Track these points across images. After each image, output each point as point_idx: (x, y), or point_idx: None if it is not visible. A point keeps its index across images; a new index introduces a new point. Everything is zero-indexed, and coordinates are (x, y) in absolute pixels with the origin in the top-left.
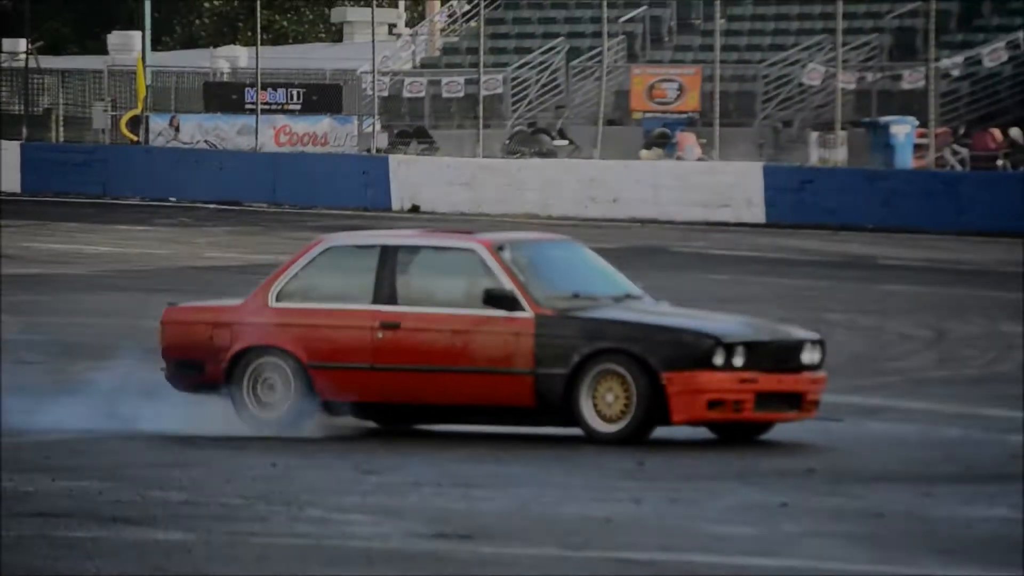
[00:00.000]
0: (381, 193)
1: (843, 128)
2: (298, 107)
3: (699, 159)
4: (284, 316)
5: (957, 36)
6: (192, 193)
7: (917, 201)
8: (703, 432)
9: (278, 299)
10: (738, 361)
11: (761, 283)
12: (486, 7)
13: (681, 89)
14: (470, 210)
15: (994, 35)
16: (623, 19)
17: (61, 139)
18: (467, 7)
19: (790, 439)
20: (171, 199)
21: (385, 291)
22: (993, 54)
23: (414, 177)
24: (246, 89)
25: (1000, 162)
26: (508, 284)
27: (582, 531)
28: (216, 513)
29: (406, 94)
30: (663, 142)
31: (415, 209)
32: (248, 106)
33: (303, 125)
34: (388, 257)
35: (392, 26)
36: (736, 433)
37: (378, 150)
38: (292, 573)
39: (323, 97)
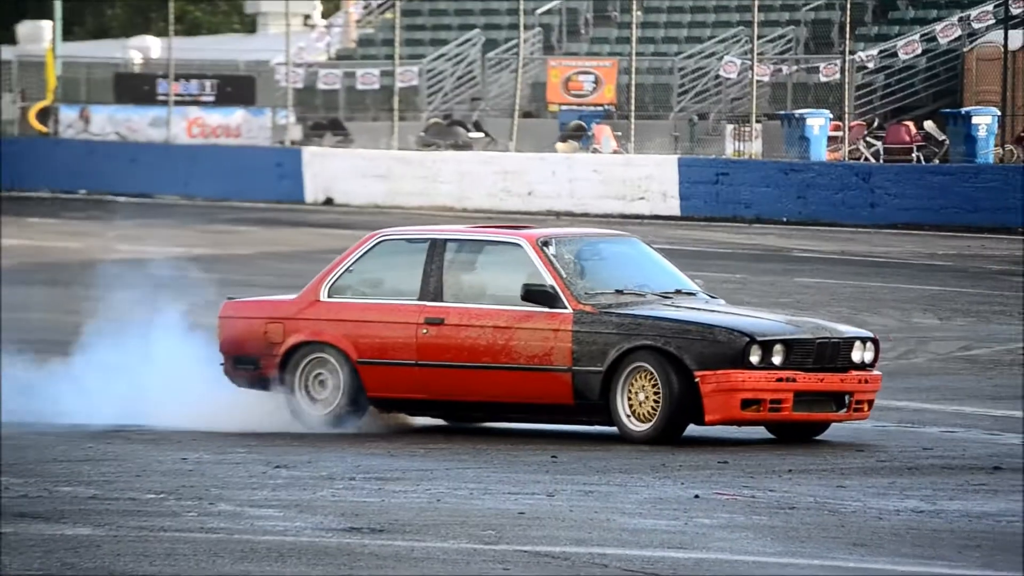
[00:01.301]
0: (295, 186)
1: (758, 121)
2: (211, 99)
3: (615, 152)
4: (335, 311)
5: (873, 29)
6: (103, 186)
7: (831, 194)
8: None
9: (330, 294)
10: (776, 359)
11: None
12: None
13: (597, 82)
14: (385, 203)
15: (909, 28)
16: (540, 11)
17: None
18: None
19: (703, 433)
20: (81, 192)
21: (431, 286)
22: (908, 47)
23: (328, 169)
24: (158, 80)
25: (914, 155)
26: (549, 279)
27: (495, 525)
28: (125, 508)
29: (321, 86)
30: (579, 135)
31: (329, 202)
32: (160, 97)
33: (216, 117)
34: (436, 251)
35: (307, 17)
36: (791, 434)
37: (292, 142)
38: (202, 568)
39: (236, 89)
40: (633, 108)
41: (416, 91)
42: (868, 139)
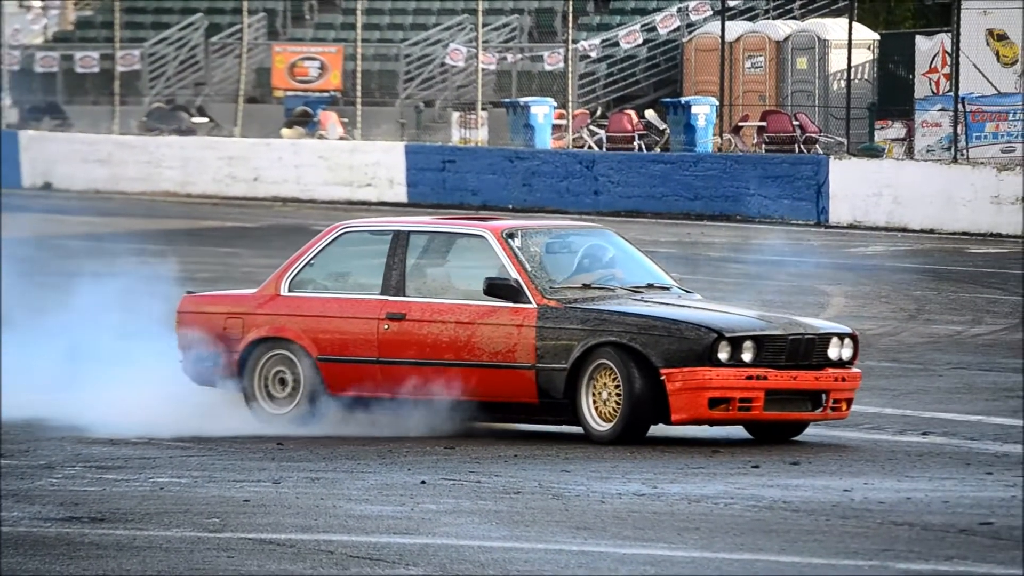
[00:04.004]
0: (12, 170)
1: (484, 108)
2: None
3: (341, 138)
4: (295, 306)
5: (595, 18)
6: None
7: (556, 182)
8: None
9: (291, 288)
10: (747, 356)
11: None
12: None
13: (323, 67)
14: (107, 188)
15: (630, 18)
16: None
17: None
18: None
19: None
20: None
21: (393, 280)
22: (629, 36)
23: (47, 154)
24: None
25: (636, 143)
26: (513, 273)
27: (220, 513)
28: None
29: (38, 68)
30: (305, 120)
31: (48, 187)
32: None
33: None
34: (399, 243)
35: None
36: (767, 433)
37: (8, 126)
38: None
39: None
40: (359, 94)
41: (138, 75)
42: (591, 127)
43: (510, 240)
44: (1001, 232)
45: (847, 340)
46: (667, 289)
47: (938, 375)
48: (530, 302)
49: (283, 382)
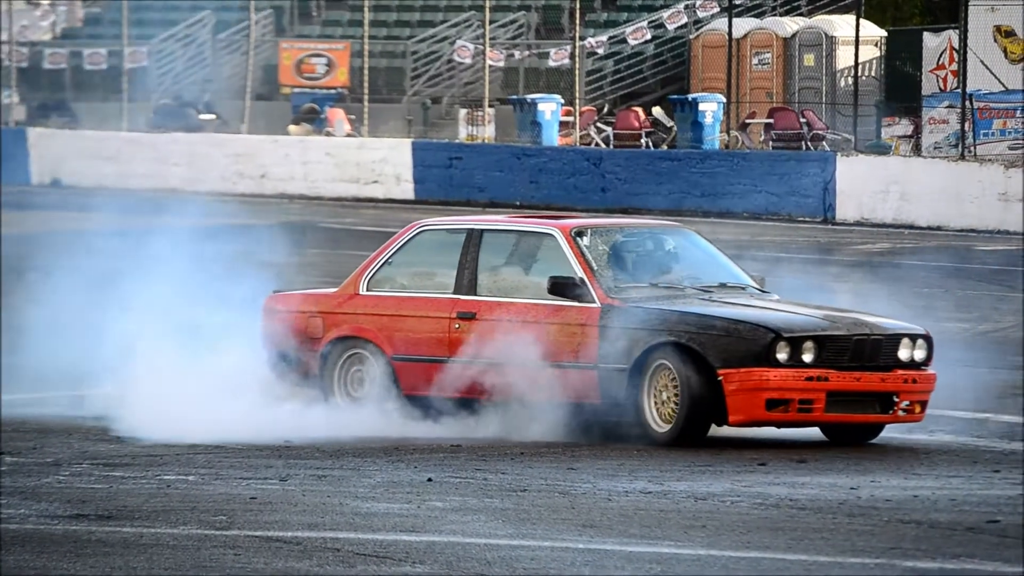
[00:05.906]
0: (20, 167)
1: (491, 105)
2: None
3: (348, 135)
4: (372, 305)
5: (602, 15)
6: None
7: (563, 178)
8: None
9: (369, 287)
10: (807, 357)
11: None
12: None
13: (330, 64)
14: (115, 184)
15: (637, 14)
16: None
17: None
18: None
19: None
20: None
21: (466, 279)
22: (636, 33)
23: (55, 151)
24: None
25: (643, 140)
26: (579, 271)
27: (227, 510)
28: None
29: (46, 65)
30: (312, 117)
31: (56, 183)
32: None
33: None
34: (472, 242)
35: None
36: (842, 436)
37: (16, 123)
38: None
39: None
40: (366, 91)
41: (146, 72)
42: (598, 124)
43: (578, 239)
44: (1008, 229)
45: (919, 341)
46: (742, 289)
47: (945, 372)
48: (594, 301)
49: (361, 381)
